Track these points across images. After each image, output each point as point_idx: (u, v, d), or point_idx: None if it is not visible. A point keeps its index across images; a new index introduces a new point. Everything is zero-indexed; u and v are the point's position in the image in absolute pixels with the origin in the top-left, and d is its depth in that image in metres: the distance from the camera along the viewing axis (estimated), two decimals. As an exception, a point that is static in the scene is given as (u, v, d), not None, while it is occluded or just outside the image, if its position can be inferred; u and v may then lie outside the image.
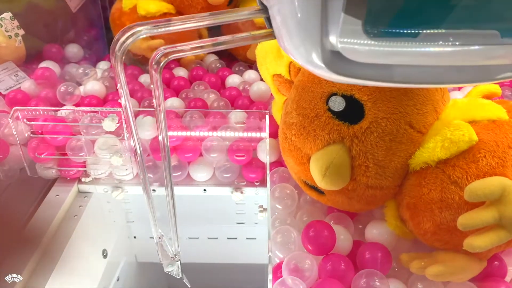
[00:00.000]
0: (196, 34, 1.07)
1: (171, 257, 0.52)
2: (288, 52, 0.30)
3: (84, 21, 1.11)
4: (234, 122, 0.79)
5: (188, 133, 0.75)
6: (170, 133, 0.74)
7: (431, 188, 0.48)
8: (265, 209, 0.64)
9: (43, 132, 0.71)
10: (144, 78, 0.97)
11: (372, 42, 0.28)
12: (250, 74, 0.99)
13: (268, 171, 0.66)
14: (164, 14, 0.98)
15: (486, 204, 0.43)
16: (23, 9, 0.91)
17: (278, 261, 0.55)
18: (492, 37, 0.28)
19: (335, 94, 0.49)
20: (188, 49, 0.36)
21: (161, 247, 0.48)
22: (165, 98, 0.87)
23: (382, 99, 0.47)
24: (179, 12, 1.00)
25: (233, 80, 0.98)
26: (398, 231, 0.55)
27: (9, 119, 0.68)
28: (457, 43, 0.28)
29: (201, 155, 0.76)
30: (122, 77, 0.38)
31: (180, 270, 0.51)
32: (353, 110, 0.48)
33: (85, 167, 0.74)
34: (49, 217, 0.68)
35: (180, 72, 1.01)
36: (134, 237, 0.97)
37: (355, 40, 0.27)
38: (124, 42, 0.36)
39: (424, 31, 0.28)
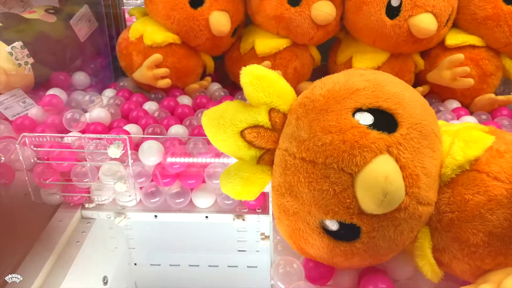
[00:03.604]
0: (202, 63, 1.10)
1: None
2: None
3: (91, 49, 1.14)
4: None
5: (191, 160, 0.76)
6: (173, 159, 0.75)
7: (474, 192, 0.47)
8: (267, 237, 0.65)
9: (49, 158, 0.72)
10: (148, 105, 0.98)
11: None
12: (252, 102, 1.01)
13: (270, 198, 0.67)
14: (170, 44, 1.01)
15: None
16: (33, 38, 0.94)
17: (280, 290, 0.55)
18: None
19: (360, 109, 0.48)
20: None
21: None
22: (169, 125, 0.88)
23: (410, 106, 0.48)
24: (184, 43, 1.03)
25: (236, 108, 0.99)
26: (428, 268, 0.49)
27: (16, 145, 0.69)
28: None
29: (204, 181, 0.77)
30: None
31: None
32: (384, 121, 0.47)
33: (89, 193, 0.75)
34: (52, 242, 0.69)
35: (184, 100, 1.03)
36: (135, 264, 0.96)
37: None
38: None
39: None
